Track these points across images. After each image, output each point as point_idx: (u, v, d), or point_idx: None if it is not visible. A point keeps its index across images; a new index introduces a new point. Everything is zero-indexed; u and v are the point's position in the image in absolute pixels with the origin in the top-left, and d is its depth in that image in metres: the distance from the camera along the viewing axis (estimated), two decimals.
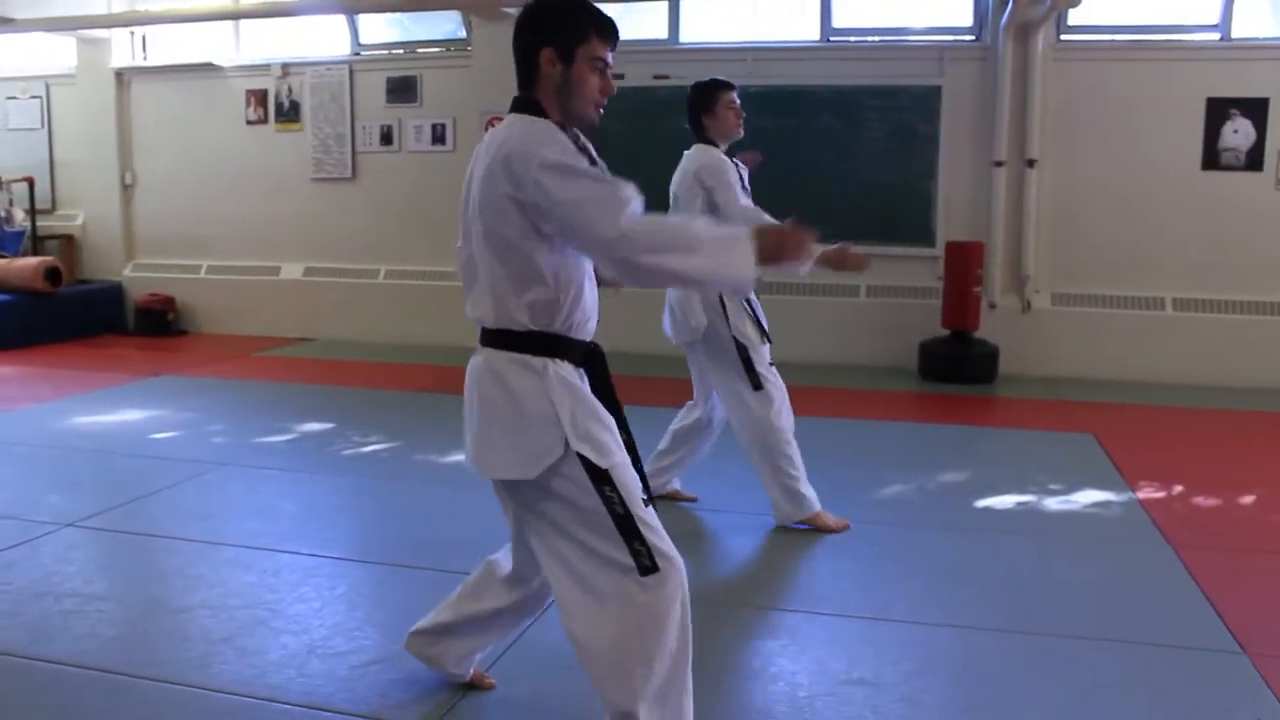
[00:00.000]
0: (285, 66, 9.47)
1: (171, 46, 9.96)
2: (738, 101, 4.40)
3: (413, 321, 9.12)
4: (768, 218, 3.99)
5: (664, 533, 2.37)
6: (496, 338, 2.39)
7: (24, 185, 10.07)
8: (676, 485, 4.75)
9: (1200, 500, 4.84)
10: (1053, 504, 4.76)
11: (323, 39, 9.51)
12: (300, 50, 9.56)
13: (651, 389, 5.81)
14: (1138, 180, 7.72)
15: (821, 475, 5.14)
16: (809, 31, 8.34)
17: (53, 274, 9.29)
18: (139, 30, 9.90)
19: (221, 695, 2.89)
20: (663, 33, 8.58)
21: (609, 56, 2.40)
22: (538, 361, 2.35)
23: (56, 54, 10.17)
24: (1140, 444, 5.85)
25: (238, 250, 9.66)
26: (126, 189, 10.09)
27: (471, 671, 2.94)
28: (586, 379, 2.44)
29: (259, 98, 9.59)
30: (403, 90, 9.13)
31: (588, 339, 2.45)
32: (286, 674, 3.03)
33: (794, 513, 4.34)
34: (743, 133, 4.47)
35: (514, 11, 8.43)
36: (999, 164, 7.85)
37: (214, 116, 9.72)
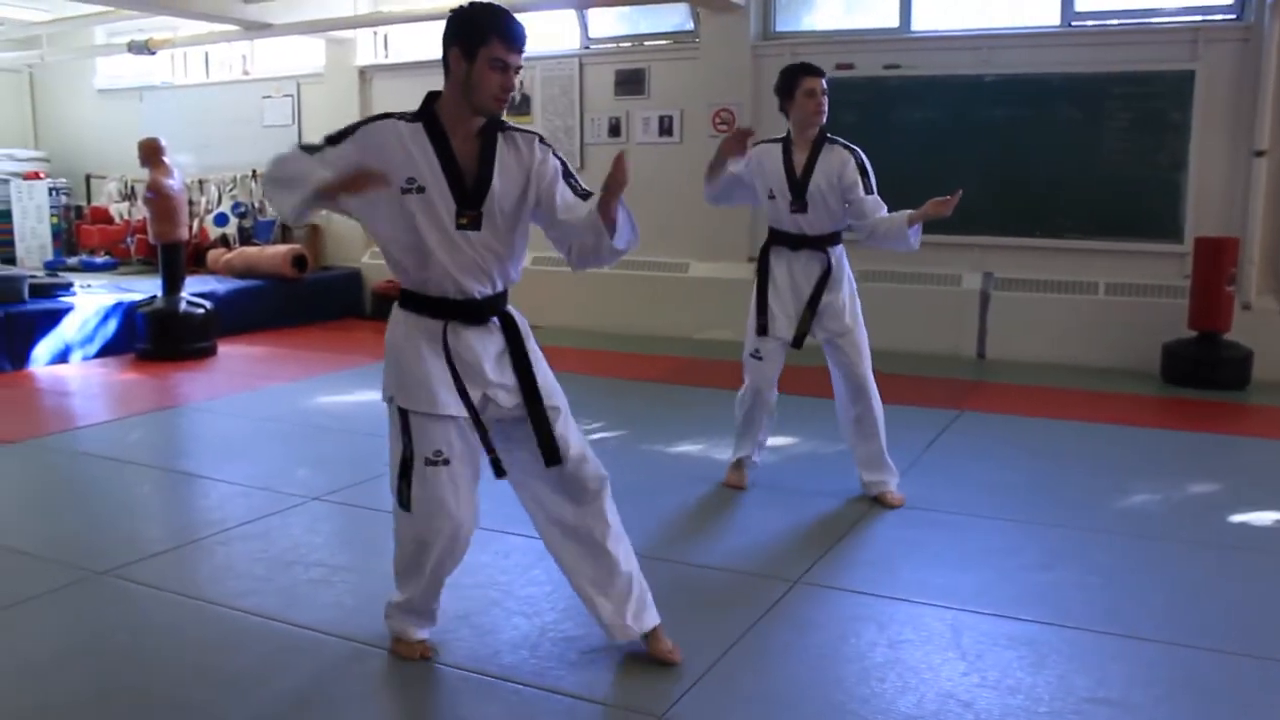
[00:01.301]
0: None
1: (410, 45, 10.41)
2: (821, 89, 4.26)
3: (641, 312, 9.19)
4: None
5: (439, 485, 2.78)
6: None
7: None
8: (890, 487, 4.54)
9: None
10: None
11: (553, 33, 9.74)
12: (530, 44, 9.69)
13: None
14: None
15: (1060, 481, 4.94)
16: (1048, 16, 7.94)
17: (299, 261, 9.88)
18: (381, 30, 10.42)
19: (457, 671, 2.99)
20: (894, 21, 8.36)
21: (511, 58, 2.75)
22: (399, 312, 2.87)
23: (307, 55, 10.84)
24: None
25: None
26: None
27: (636, 632, 3.01)
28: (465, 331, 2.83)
29: None
30: (631, 83, 9.25)
31: (449, 296, 2.80)
32: (519, 654, 3.10)
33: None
34: (823, 120, 4.33)
35: (743, 3, 8.41)
36: (1259, 154, 7.26)
37: None
